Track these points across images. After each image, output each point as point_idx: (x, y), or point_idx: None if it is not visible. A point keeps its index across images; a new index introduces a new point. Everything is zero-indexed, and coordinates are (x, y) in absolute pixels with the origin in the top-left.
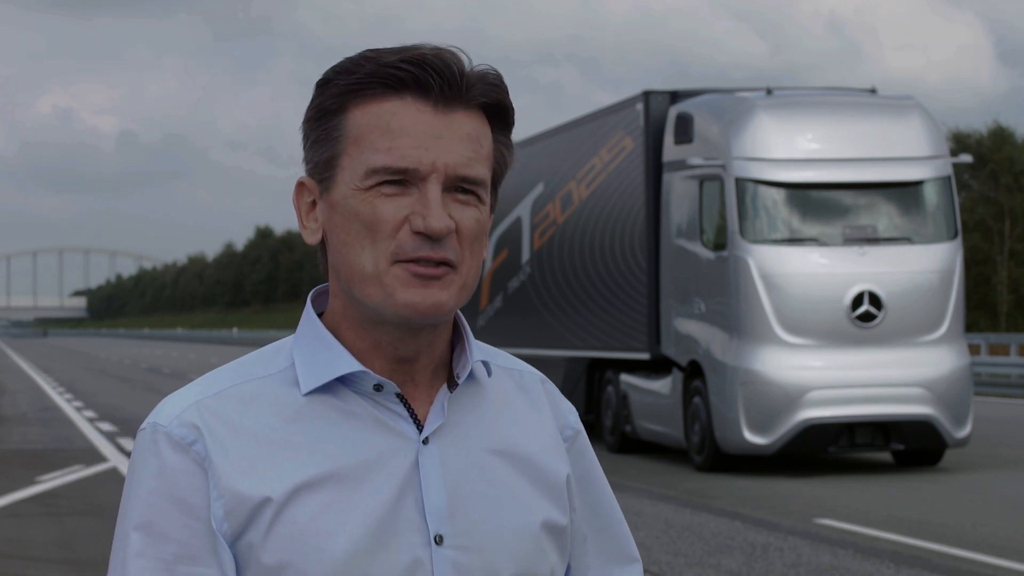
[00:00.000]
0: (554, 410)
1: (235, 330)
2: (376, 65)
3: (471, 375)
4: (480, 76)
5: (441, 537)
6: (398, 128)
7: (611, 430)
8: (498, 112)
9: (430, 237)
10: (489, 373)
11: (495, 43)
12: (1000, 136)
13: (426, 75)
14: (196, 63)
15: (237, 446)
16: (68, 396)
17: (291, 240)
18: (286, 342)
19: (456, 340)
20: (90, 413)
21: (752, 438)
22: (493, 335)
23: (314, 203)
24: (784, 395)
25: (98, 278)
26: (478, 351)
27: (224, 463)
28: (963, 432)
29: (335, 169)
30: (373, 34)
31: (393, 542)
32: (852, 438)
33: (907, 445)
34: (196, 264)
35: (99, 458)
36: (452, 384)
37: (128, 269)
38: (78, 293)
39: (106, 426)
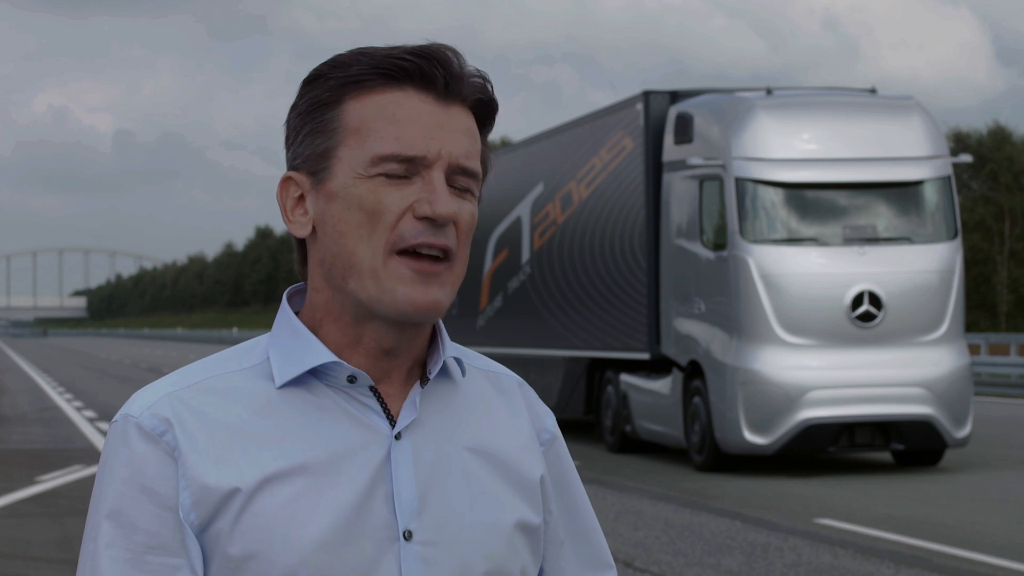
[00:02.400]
0: (531, 413)
1: (235, 330)
2: (379, 56)
3: (446, 373)
4: (474, 75)
5: (410, 532)
6: (404, 117)
7: (611, 430)
8: (488, 111)
9: (434, 222)
10: (463, 372)
11: (491, 42)
12: (1000, 136)
13: (432, 67)
14: (191, 62)
15: (207, 437)
16: (68, 396)
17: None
18: (262, 339)
19: (431, 338)
20: (90, 413)
21: (752, 438)
22: (493, 335)
23: (302, 197)
24: (784, 395)
25: (98, 278)
26: (451, 349)
27: (193, 454)
28: (963, 432)
29: (332, 160)
30: (370, 33)
31: (361, 535)
32: (852, 438)
33: (907, 445)
34: (196, 264)
35: (99, 458)
36: (424, 380)
37: (128, 269)
38: (78, 293)
39: (106, 426)
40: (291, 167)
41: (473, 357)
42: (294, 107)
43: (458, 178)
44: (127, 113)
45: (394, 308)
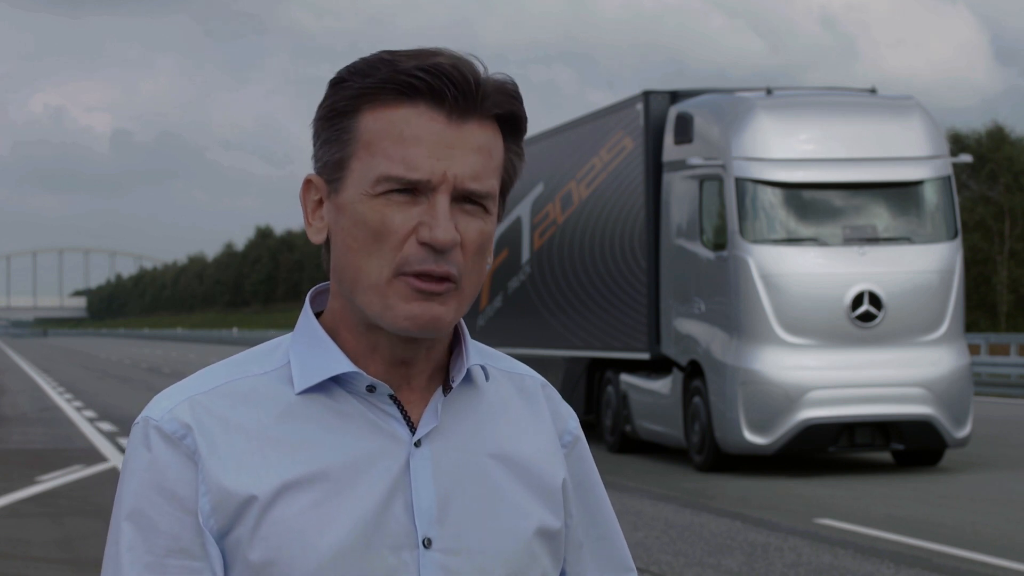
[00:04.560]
0: (554, 415)
1: (235, 330)
2: (391, 71)
3: (468, 379)
4: (496, 86)
5: (430, 540)
6: (411, 136)
7: (611, 430)
8: (511, 122)
9: (435, 249)
10: (487, 377)
11: (490, 42)
12: (999, 136)
13: (441, 85)
14: (188, 61)
15: (227, 442)
16: (68, 396)
17: (291, 240)
18: (283, 340)
19: (454, 343)
20: (90, 413)
21: (752, 438)
22: (493, 335)
23: (320, 201)
24: (784, 395)
25: (98, 278)
26: (476, 354)
27: (213, 458)
28: (963, 432)
29: (345, 171)
30: (368, 32)
31: (381, 543)
32: (852, 438)
33: (907, 445)
34: (196, 264)
35: (99, 458)
36: (447, 387)
37: (128, 269)
38: (78, 293)
39: (106, 426)
40: (314, 169)
41: (496, 358)
42: (318, 109)
43: (465, 201)
44: (125, 113)
45: (394, 324)
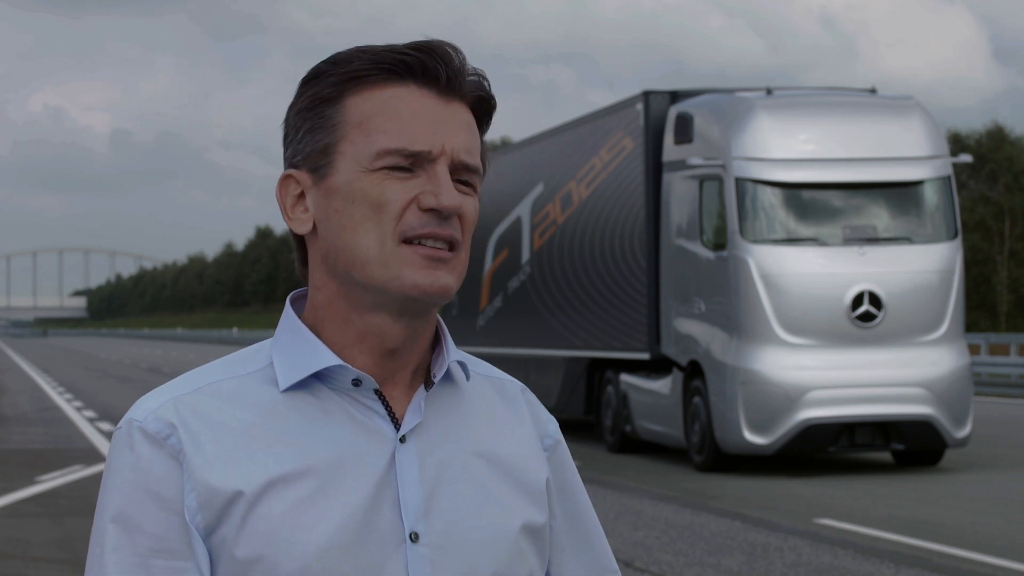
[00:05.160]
0: (534, 419)
1: (235, 330)
2: (378, 53)
3: (449, 378)
4: (473, 72)
5: (416, 535)
6: (407, 112)
7: (611, 430)
8: (486, 108)
9: (440, 214)
10: (467, 376)
11: (489, 41)
12: (999, 136)
13: (434, 63)
14: (187, 61)
15: (212, 441)
16: (68, 396)
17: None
18: (266, 343)
19: (435, 341)
20: (90, 413)
21: (752, 438)
22: (493, 335)
23: (302, 194)
24: (784, 395)
25: (98, 278)
26: (455, 354)
27: (198, 457)
28: (963, 432)
29: (334, 155)
30: (367, 31)
31: (368, 539)
32: (852, 438)
33: (907, 445)
34: (196, 264)
35: (99, 458)
36: (428, 384)
37: (128, 269)
38: (78, 293)
39: (106, 426)
40: (290, 165)
41: (476, 363)
42: (293, 105)
43: (460, 173)
44: (124, 113)
45: (401, 292)
